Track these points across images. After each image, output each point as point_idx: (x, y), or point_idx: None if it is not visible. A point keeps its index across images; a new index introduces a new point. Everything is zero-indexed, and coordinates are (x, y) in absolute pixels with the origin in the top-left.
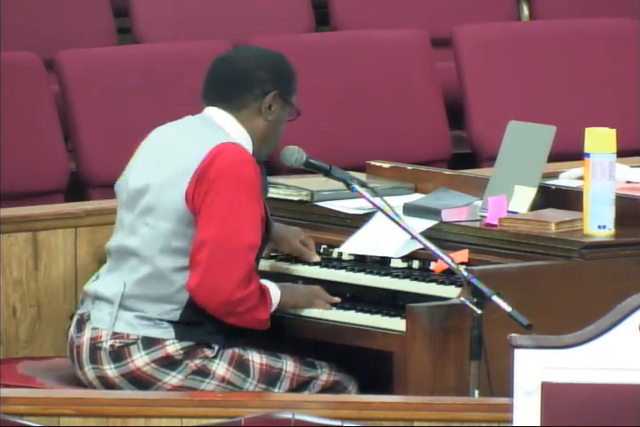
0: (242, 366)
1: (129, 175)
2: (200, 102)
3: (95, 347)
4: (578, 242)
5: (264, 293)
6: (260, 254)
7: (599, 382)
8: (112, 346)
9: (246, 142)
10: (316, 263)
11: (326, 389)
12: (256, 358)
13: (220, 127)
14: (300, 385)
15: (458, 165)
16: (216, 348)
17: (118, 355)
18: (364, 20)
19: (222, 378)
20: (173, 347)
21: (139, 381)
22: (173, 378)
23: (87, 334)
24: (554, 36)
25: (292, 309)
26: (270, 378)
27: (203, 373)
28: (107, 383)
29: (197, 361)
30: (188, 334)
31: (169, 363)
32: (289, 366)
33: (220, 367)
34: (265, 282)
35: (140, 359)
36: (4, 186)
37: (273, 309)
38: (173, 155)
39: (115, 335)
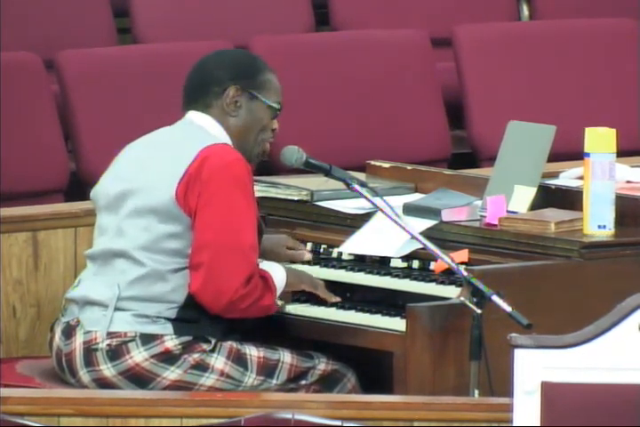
0: (240, 359)
1: (106, 182)
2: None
3: (90, 350)
4: (578, 242)
5: (266, 280)
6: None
7: (599, 382)
8: (109, 345)
9: (226, 141)
10: (315, 263)
11: (324, 377)
12: (253, 352)
13: (202, 127)
14: (297, 375)
15: (458, 165)
16: (213, 341)
17: (116, 353)
18: (363, 20)
19: (221, 372)
20: (172, 342)
21: (138, 377)
22: (172, 373)
23: (79, 339)
24: (554, 36)
25: (295, 289)
26: (268, 369)
27: (201, 367)
28: (103, 385)
29: (195, 355)
30: (185, 329)
31: (168, 358)
32: (286, 357)
33: (219, 361)
34: (269, 263)
35: (139, 355)
36: (4, 186)
37: (280, 291)
38: (158, 158)
39: (111, 335)
